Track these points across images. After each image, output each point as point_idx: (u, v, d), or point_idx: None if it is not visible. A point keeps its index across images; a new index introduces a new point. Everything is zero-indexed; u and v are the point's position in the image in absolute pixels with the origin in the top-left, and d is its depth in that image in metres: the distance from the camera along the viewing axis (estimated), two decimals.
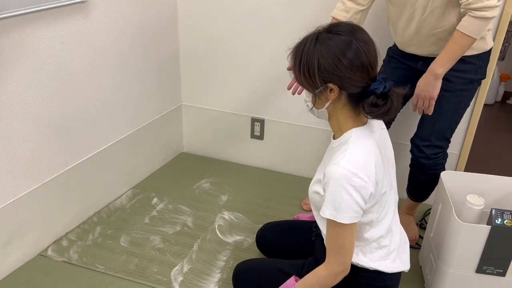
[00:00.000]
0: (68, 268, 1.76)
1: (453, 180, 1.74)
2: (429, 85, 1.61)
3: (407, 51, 1.76)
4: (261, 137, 2.48)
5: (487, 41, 1.66)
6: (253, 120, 2.44)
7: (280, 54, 2.25)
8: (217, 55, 2.36)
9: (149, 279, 1.72)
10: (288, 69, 1.29)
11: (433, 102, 1.65)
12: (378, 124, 1.33)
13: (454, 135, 1.80)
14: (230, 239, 1.96)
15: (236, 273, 1.60)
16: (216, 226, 2.04)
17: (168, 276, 1.74)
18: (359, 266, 1.36)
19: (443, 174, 1.74)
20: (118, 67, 2.04)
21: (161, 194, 2.26)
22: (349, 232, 1.23)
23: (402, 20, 1.68)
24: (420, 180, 1.88)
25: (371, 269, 1.35)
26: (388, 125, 1.94)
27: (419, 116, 1.82)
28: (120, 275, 1.73)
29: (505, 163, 2.98)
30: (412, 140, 1.84)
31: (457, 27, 1.53)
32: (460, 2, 1.50)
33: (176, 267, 1.79)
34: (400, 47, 1.79)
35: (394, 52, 1.86)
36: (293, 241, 1.69)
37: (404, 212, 2.06)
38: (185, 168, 2.55)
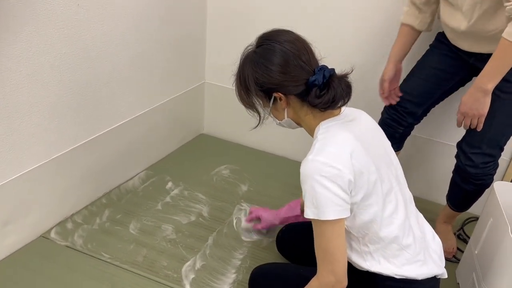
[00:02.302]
0: (71, 254, 1.62)
1: (508, 192, 1.53)
2: (478, 103, 1.45)
3: (458, 46, 1.57)
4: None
5: None
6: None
7: (315, 32, 2.06)
8: (248, 30, 2.16)
9: (158, 274, 1.57)
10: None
11: (483, 119, 1.48)
12: (358, 114, 1.25)
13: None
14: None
15: (254, 276, 1.44)
16: (234, 219, 1.87)
17: (179, 272, 1.58)
18: (384, 275, 1.20)
19: (496, 185, 1.53)
20: (138, 38, 1.85)
21: (176, 178, 2.10)
22: (334, 233, 1.11)
23: (453, 22, 1.52)
24: (463, 189, 1.68)
25: (398, 277, 1.19)
26: (418, 120, 1.77)
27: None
28: (127, 266, 1.59)
29: None
30: (459, 145, 1.63)
31: (503, 35, 1.33)
32: (505, 5, 1.30)
33: (188, 263, 1.63)
34: (451, 39, 1.60)
35: (445, 37, 1.64)
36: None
37: (441, 220, 1.87)
38: (204, 151, 2.37)
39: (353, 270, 1.22)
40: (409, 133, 1.81)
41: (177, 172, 2.15)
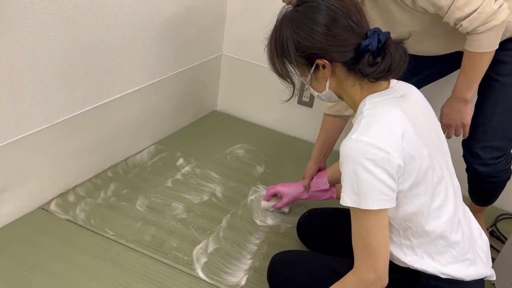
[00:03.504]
0: (72, 228, 1.47)
1: None
2: (460, 113, 1.38)
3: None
4: (310, 104, 2.13)
5: None
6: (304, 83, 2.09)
7: None
8: (270, 4, 2.00)
9: (167, 256, 1.42)
10: None
11: (467, 129, 1.38)
12: (408, 89, 1.09)
13: None
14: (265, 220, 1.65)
15: (274, 266, 1.29)
16: (249, 201, 1.73)
17: (190, 255, 1.44)
18: (428, 273, 1.05)
19: None
20: (158, 1, 1.69)
21: (188, 154, 1.94)
22: (377, 225, 0.96)
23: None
24: (481, 188, 1.55)
25: (443, 276, 1.05)
26: None
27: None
28: (133, 245, 1.44)
29: None
30: (464, 143, 1.49)
31: (466, 48, 1.23)
32: (456, 27, 1.21)
33: (200, 245, 1.48)
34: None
35: None
36: (345, 234, 1.37)
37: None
38: (217, 129, 2.22)
39: (392, 266, 1.07)
40: None
41: (188, 148, 1.99)
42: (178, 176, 1.81)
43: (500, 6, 1.18)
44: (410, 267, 1.07)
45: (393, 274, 1.02)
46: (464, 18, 1.19)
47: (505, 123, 1.41)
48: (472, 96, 1.35)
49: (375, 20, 1.34)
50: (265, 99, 2.21)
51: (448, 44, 1.40)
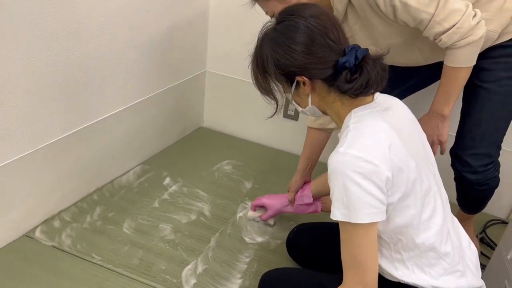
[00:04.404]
0: (58, 255, 1.45)
1: None
2: (437, 129, 1.37)
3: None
4: (295, 117, 2.13)
5: None
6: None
7: None
8: (254, 14, 2.00)
9: (156, 279, 1.40)
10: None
11: (445, 145, 1.38)
12: (393, 102, 1.10)
13: None
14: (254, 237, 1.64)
15: (264, 284, 1.27)
16: (238, 218, 1.71)
17: (179, 277, 1.42)
18: (419, 287, 1.04)
19: None
20: (137, 20, 1.68)
21: (174, 173, 1.93)
22: (367, 239, 0.95)
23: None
24: (470, 196, 1.55)
25: None
26: None
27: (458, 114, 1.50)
28: (121, 270, 1.42)
29: None
30: (452, 151, 1.49)
31: (445, 63, 1.25)
32: (436, 42, 1.22)
33: (189, 266, 1.46)
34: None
35: None
36: (334, 249, 1.37)
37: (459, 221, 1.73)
38: (204, 146, 2.21)
39: (382, 280, 1.06)
40: None
41: (175, 167, 1.98)
42: (165, 196, 1.79)
43: (477, 23, 1.20)
44: (401, 281, 1.06)
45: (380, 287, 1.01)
46: (444, 33, 1.20)
47: (492, 129, 1.42)
48: (450, 112, 1.34)
49: (359, 33, 1.35)
50: (250, 114, 2.21)
51: (431, 55, 1.40)
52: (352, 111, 1.02)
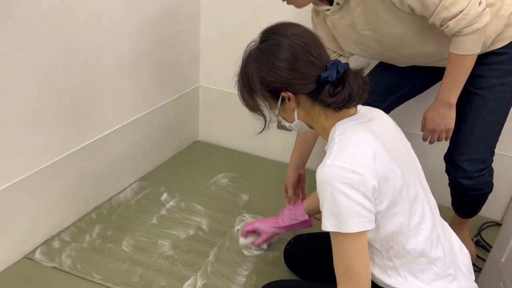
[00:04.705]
0: (59, 276, 1.46)
1: None
2: (444, 117, 1.39)
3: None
4: (289, 128, 2.15)
5: None
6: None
7: None
8: (244, 29, 2.04)
9: None
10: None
11: (451, 133, 1.41)
12: (376, 113, 1.15)
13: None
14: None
15: None
16: (236, 231, 1.73)
17: None
18: None
19: None
20: (128, 35, 1.71)
21: (171, 189, 1.95)
22: (357, 248, 0.98)
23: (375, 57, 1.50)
24: (465, 201, 1.57)
25: None
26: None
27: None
28: (121, 287, 1.43)
29: None
30: (446, 157, 1.51)
31: (450, 50, 1.27)
32: (441, 29, 1.25)
33: (188, 282, 1.48)
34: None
35: None
36: (330, 260, 1.38)
37: (454, 227, 1.72)
38: (200, 159, 2.23)
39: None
40: None
41: (172, 182, 2.00)
42: (163, 212, 1.81)
43: (483, 10, 1.21)
44: None
45: None
46: (451, 19, 1.22)
47: (487, 135, 1.44)
48: (455, 100, 1.36)
49: (359, 17, 1.36)
50: (245, 126, 2.22)
51: (427, 53, 1.42)
52: (336, 124, 1.05)
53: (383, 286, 1.10)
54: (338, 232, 0.97)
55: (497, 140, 1.47)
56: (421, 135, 1.49)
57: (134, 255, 1.58)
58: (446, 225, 1.21)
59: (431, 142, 1.45)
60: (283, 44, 1.01)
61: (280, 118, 1.13)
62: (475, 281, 1.52)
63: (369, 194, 0.96)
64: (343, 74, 1.00)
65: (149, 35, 1.82)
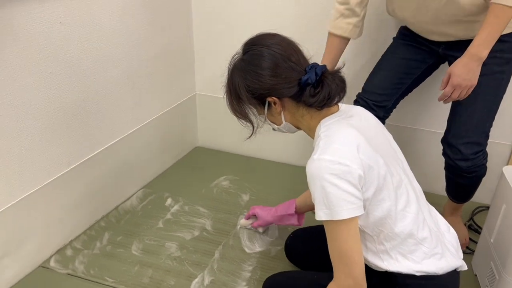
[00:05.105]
0: (73, 281, 1.55)
1: None
2: (472, 72, 1.37)
3: (426, 38, 1.54)
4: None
5: None
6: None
7: (308, 37, 2.01)
8: (234, 36, 2.12)
9: None
10: None
11: (471, 90, 1.41)
12: (357, 110, 1.23)
13: (504, 123, 1.54)
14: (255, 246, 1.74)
15: (266, 287, 1.37)
16: (239, 230, 1.81)
17: None
18: (404, 273, 1.14)
19: (505, 169, 1.49)
20: (125, 52, 1.80)
21: (175, 194, 2.04)
22: (349, 234, 1.06)
23: (409, 10, 1.48)
24: (460, 184, 1.65)
25: (418, 274, 1.14)
26: (389, 112, 1.73)
27: (447, 106, 1.57)
28: None
29: None
30: (444, 141, 1.59)
31: (495, 1, 1.29)
32: None
33: (196, 279, 1.56)
34: (418, 32, 1.57)
35: (408, 29, 1.62)
36: (327, 250, 1.47)
37: (448, 213, 1.83)
38: (201, 164, 2.32)
39: (371, 272, 1.16)
40: None
41: (175, 187, 2.09)
42: (168, 216, 1.89)
43: None
44: (387, 270, 1.16)
45: (371, 280, 1.11)
46: None
47: (484, 120, 1.51)
48: (486, 55, 1.34)
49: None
50: (242, 130, 2.30)
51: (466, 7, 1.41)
52: (321, 121, 1.14)
53: (376, 269, 1.18)
54: (331, 220, 1.04)
55: (491, 125, 1.54)
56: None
57: (143, 258, 1.66)
58: (433, 209, 1.30)
59: (452, 99, 1.44)
60: (264, 54, 1.10)
61: (269, 122, 1.22)
62: (470, 262, 1.62)
63: (355, 183, 1.04)
64: (321, 75, 1.09)
65: (144, 51, 1.91)
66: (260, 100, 1.13)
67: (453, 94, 1.42)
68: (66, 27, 1.50)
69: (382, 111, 1.68)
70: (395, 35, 1.73)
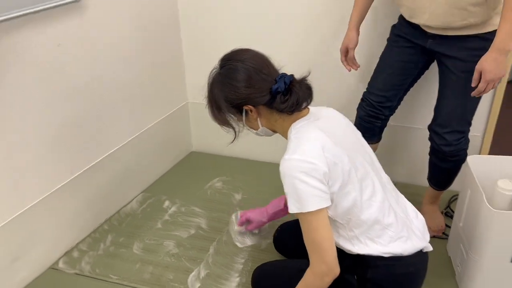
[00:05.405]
0: (80, 280, 1.70)
1: (481, 164, 1.63)
2: (502, 66, 1.44)
3: (416, 21, 1.62)
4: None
5: None
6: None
7: (292, 40, 2.16)
8: (222, 46, 2.27)
9: (165, 287, 1.64)
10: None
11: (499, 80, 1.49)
12: (326, 112, 1.37)
13: (476, 117, 1.69)
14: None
15: (255, 277, 1.52)
16: (231, 219, 1.95)
17: (185, 283, 1.66)
18: (374, 255, 1.29)
19: (469, 159, 1.63)
20: (119, 68, 1.95)
21: (172, 196, 2.18)
22: (319, 223, 1.19)
23: None
24: (442, 168, 1.79)
25: (386, 255, 1.29)
26: (394, 110, 1.86)
27: (430, 105, 1.73)
28: (135, 284, 1.66)
29: None
30: (431, 128, 1.73)
31: None
32: None
33: (193, 273, 1.71)
34: (408, 15, 1.64)
35: (400, 30, 1.75)
36: None
37: (427, 201, 1.97)
38: (196, 168, 2.46)
39: (345, 256, 1.31)
40: (386, 124, 1.90)
41: (172, 190, 2.23)
42: (166, 217, 2.04)
43: None
44: (359, 254, 1.30)
45: (345, 262, 1.26)
46: None
47: (467, 112, 1.66)
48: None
49: None
50: (233, 134, 2.46)
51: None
52: (292, 125, 1.28)
53: (349, 253, 1.32)
54: (302, 212, 1.19)
55: (473, 114, 1.68)
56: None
57: (144, 256, 1.80)
58: (402, 197, 1.44)
59: (483, 93, 1.51)
60: (238, 68, 1.25)
61: (247, 128, 1.37)
62: (445, 247, 1.76)
63: (321, 178, 1.18)
64: (290, 84, 1.24)
65: (137, 66, 2.06)
66: (237, 108, 1.28)
67: (486, 88, 1.48)
68: (64, 48, 1.66)
69: (387, 110, 1.82)
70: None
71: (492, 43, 1.44)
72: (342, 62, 1.84)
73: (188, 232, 1.94)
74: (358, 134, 1.40)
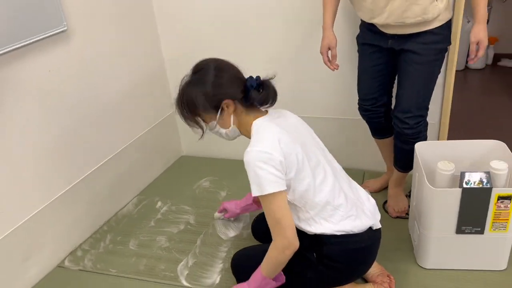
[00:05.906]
0: (84, 275, 1.93)
1: (426, 149, 1.84)
2: (486, 33, 1.71)
3: (376, 21, 1.79)
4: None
5: (450, 9, 1.77)
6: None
7: (275, 46, 2.36)
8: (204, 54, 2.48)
9: (158, 276, 1.87)
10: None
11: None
12: (284, 113, 1.57)
13: (431, 105, 1.89)
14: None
15: (234, 260, 1.73)
16: (215, 222, 2.18)
17: (175, 272, 1.88)
18: (328, 234, 1.48)
19: (416, 145, 1.83)
20: (106, 85, 2.19)
21: (164, 197, 2.41)
22: (277, 204, 1.39)
23: None
24: (404, 150, 1.98)
25: (338, 233, 1.48)
26: (390, 104, 2.05)
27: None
28: (132, 275, 1.89)
29: (498, 126, 3.03)
30: (393, 114, 1.93)
31: None
32: None
33: (182, 262, 1.93)
34: (368, 17, 1.80)
35: (363, 38, 1.95)
36: None
37: (392, 185, 2.16)
38: (185, 171, 2.69)
39: (303, 235, 1.51)
40: (390, 119, 2.01)
41: (164, 192, 2.46)
42: (159, 216, 2.27)
43: None
44: (315, 233, 1.51)
45: (303, 241, 1.46)
46: None
47: (424, 97, 1.87)
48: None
49: None
50: (220, 138, 2.68)
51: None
52: (253, 123, 1.48)
53: (308, 233, 1.53)
54: (262, 195, 1.39)
55: (429, 100, 1.89)
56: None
57: (139, 251, 2.03)
58: (354, 182, 1.64)
59: (481, 56, 1.74)
60: (210, 66, 1.45)
61: (217, 128, 1.55)
62: (407, 226, 1.95)
63: (277, 166, 1.38)
64: (260, 81, 1.46)
65: (124, 83, 2.29)
66: (216, 105, 1.44)
67: (479, 53, 1.73)
68: (55, 73, 1.89)
69: (382, 108, 2.03)
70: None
71: (476, 18, 1.70)
72: (325, 63, 1.94)
73: (178, 228, 2.16)
74: (311, 130, 1.62)
